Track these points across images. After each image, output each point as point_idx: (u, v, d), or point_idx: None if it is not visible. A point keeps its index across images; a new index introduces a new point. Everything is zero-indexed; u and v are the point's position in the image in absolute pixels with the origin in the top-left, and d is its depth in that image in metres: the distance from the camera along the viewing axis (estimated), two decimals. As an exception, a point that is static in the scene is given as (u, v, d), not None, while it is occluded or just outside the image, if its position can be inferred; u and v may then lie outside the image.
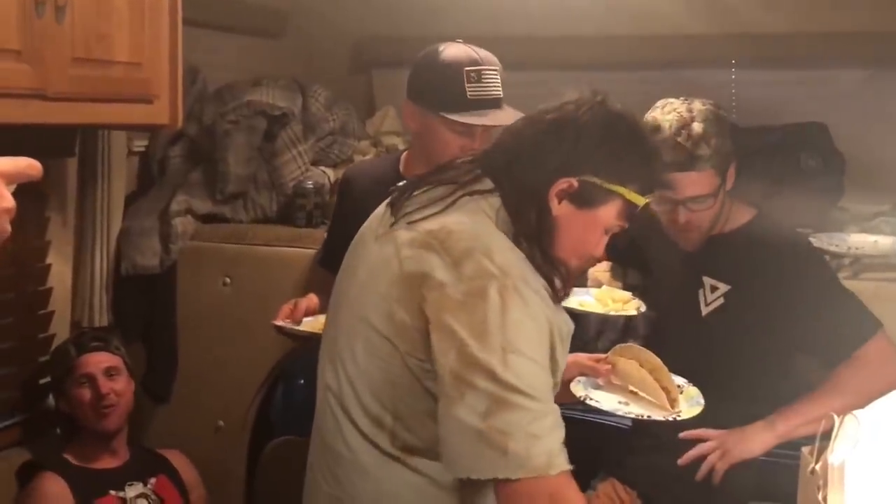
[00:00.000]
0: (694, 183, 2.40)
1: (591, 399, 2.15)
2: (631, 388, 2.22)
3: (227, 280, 3.24)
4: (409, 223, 1.73)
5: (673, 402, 2.14)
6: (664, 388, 2.16)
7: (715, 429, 2.38)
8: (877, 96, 3.38)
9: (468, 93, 2.45)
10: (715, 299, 2.56)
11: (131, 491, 2.82)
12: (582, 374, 2.25)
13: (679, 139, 2.36)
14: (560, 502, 1.57)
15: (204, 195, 3.34)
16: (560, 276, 1.75)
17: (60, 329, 3.12)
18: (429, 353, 1.62)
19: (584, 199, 1.74)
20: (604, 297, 2.62)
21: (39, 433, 3.02)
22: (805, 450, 1.61)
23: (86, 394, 2.80)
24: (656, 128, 2.38)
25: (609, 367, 2.26)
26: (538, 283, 1.68)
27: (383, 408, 1.71)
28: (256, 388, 3.22)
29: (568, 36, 3.57)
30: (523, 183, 1.74)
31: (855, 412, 1.58)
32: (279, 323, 2.55)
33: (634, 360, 2.25)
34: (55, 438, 2.99)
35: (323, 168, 3.44)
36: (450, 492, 1.72)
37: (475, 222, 1.71)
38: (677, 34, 3.45)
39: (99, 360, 2.84)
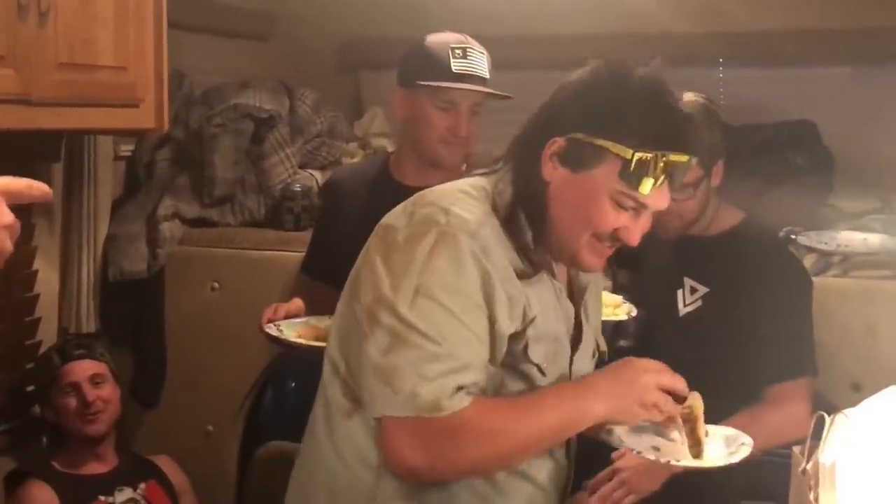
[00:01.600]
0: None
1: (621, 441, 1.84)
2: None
3: (216, 284, 3.23)
4: None
5: (698, 454, 1.81)
6: (696, 439, 1.83)
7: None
8: (864, 93, 3.39)
9: (453, 66, 2.49)
10: (693, 300, 2.59)
11: (120, 496, 2.81)
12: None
13: None
14: (451, 441, 1.56)
15: (191, 199, 3.32)
16: (552, 252, 1.71)
17: (47, 335, 3.10)
18: None
19: (575, 159, 1.64)
20: None
21: (26, 441, 2.99)
22: (796, 449, 1.62)
23: (71, 402, 2.77)
24: None
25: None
26: (500, 247, 1.63)
27: (340, 353, 1.71)
28: (246, 392, 3.21)
29: (556, 35, 3.57)
30: (522, 150, 1.71)
31: (845, 411, 1.58)
32: (265, 329, 2.54)
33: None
34: (42, 446, 2.97)
35: (311, 171, 3.43)
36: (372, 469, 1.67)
37: (456, 186, 1.71)
38: (665, 32, 3.44)
39: (84, 368, 2.81)
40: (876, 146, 3.30)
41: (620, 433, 1.82)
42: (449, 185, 1.74)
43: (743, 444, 1.78)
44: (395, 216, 1.68)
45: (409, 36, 3.79)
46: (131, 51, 2.54)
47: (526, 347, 1.65)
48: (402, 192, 2.66)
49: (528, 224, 1.68)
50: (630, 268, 2.85)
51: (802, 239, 2.87)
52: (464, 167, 2.64)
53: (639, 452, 1.74)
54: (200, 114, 3.37)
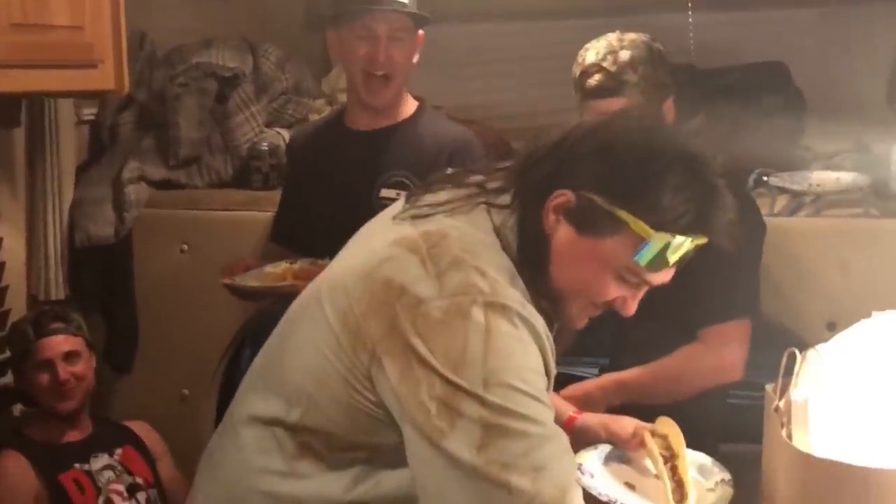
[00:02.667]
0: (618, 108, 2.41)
1: (589, 479, 1.75)
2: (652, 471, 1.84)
3: (185, 247, 3.20)
4: (415, 217, 1.52)
5: (682, 498, 1.73)
6: (678, 480, 1.74)
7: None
8: (833, 34, 3.38)
9: None
10: None
11: (96, 463, 2.79)
12: (612, 444, 1.87)
13: (605, 64, 2.35)
14: None
15: (157, 161, 3.29)
16: (549, 312, 1.52)
17: (16, 304, 3.06)
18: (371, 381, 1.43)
19: (584, 221, 1.45)
20: None
21: (-1, 410, 2.98)
22: (769, 387, 1.61)
23: (44, 378, 2.73)
24: (584, 56, 2.39)
25: (640, 442, 1.89)
26: (535, 313, 1.45)
27: (300, 389, 1.51)
28: (221, 355, 3.19)
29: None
30: (528, 194, 1.51)
31: (817, 347, 1.58)
32: (225, 280, 2.54)
33: (661, 439, 1.89)
34: (14, 415, 2.95)
35: (278, 129, 3.40)
36: None
37: (476, 233, 1.49)
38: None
39: (58, 344, 2.76)
40: (847, 86, 3.29)
41: (593, 468, 1.73)
42: (461, 228, 1.49)
43: (722, 479, 1.72)
44: (417, 280, 1.41)
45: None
46: (87, 10, 2.48)
47: None
48: (352, 138, 2.66)
49: (537, 283, 1.50)
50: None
51: (774, 180, 2.86)
52: (413, 110, 2.63)
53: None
54: (163, 74, 3.33)
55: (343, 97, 3.56)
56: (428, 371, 1.35)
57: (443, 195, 1.56)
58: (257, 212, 3.09)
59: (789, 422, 1.49)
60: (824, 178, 2.90)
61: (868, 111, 3.22)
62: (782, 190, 2.86)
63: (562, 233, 1.48)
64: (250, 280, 2.51)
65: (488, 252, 1.46)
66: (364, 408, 1.44)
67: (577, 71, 2.40)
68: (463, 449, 1.32)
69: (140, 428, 2.98)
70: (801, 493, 1.40)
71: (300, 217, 2.73)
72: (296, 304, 1.66)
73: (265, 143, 3.26)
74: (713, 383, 2.38)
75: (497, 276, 1.42)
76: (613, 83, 2.35)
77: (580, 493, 1.37)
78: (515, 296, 1.42)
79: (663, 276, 1.51)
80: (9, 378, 2.96)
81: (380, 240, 1.52)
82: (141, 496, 2.82)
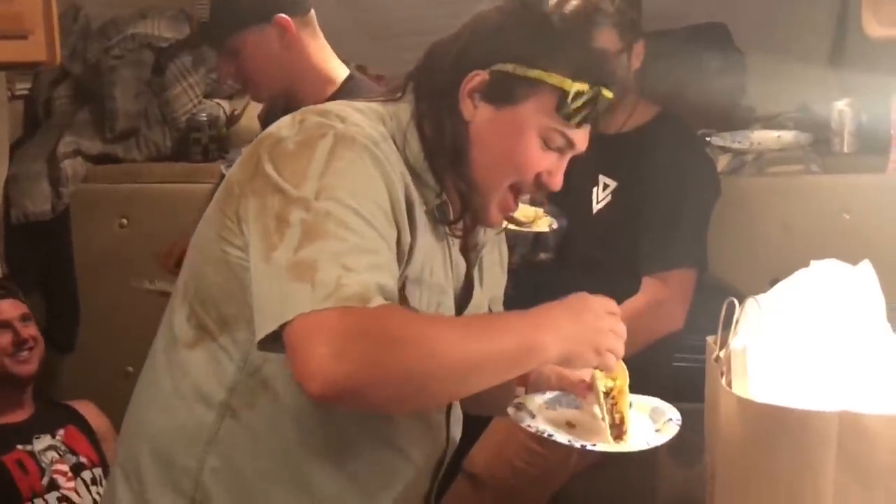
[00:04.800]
0: (595, 39, 2.43)
1: (531, 426, 1.66)
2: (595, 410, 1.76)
3: (124, 221, 3.19)
4: None
5: (620, 434, 1.64)
6: (620, 419, 1.65)
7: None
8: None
9: None
10: (605, 196, 2.60)
11: (39, 444, 2.77)
12: (562, 389, 1.77)
13: None
14: (380, 341, 1.28)
15: (93, 135, 3.27)
16: (470, 204, 1.55)
17: (-49, 282, 3.03)
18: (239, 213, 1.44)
19: (500, 94, 1.50)
20: (517, 214, 2.62)
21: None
22: (710, 339, 1.61)
23: (6, 339, 2.73)
24: None
25: (588, 387, 1.78)
26: (399, 169, 1.47)
27: (192, 275, 1.52)
28: (164, 329, 3.16)
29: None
30: (433, 84, 1.53)
31: (756, 297, 1.59)
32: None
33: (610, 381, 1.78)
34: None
35: (217, 100, 3.38)
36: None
37: (346, 103, 1.54)
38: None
39: (14, 306, 2.78)
40: (788, 47, 3.32)
41: (533, 408, 1.68)
42: (339, 101, 1.58)
43: (670, 419, 1.65)
44: (282, 126, 1.47)
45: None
46: (15, -22, 2.44)
47: (403, 288, 1.46)
48: None
49: (435, 169, 1.52)
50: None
51: (716, 140, 2.89)
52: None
53: (550, 435, 1.58)
54: (98, 47, 3.30)
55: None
56: (274, 192, 1.38)
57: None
58: (198, 183, 3.06)
59: (729, 370, 1.50)
60: (765, 136, 2.93)
61: (809, 71, 3.26)
62: (724, 149, 2.90)
63: (481, 114, 1.51)
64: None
65: (358, 115, 1.48)
66: (235, 259, 1.44)
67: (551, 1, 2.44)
68: (284, 254, 1.32)
69: (84, 407, 2.96)
70: (741, 438, 1.41)
71: None
72: None
73: (204, 114, 3.25)
74: (657, 333, 2.40)
75: (361, 123, 1.46)
76: (590, 8, 2.37)
77: (389, 308, 1.32)
78: (368, 134, 1.44)
79: (583, 139, 1.56)
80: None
81: None
82: (86, 475, 2.81)
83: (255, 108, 3.27)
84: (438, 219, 1.54)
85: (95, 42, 3.32)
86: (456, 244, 1.61)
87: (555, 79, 1.48)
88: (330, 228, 1.33)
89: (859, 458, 1.33)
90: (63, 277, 3.21)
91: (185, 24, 3.38)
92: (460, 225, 1.58)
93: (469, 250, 1.65)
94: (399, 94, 1.58)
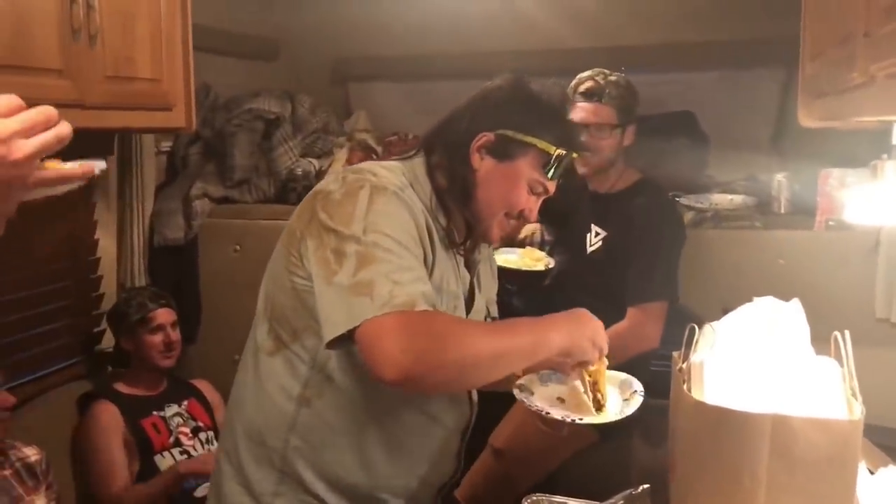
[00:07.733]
0: (598, 112, 2.48)
1: (532, 405, 1.62)
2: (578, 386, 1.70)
3: (237, 248, 3.20)
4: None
5: (600, 407, 1.62)
6: (601, 394, 1.63)
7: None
8: (730, 90, 3.40)
9: None
10: (597, 241, 2.60)
11: (169, 411, 2.80)
12: (552, 368, 1.74)
13: (596, 77, 2.49)
14: (432, 337, 1.30)
15: (217, 183, 3.28)
16: (473, 230, 1.59)
17: (108, 290, 3.07)
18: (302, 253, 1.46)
19: (502, 151, 1.54)
20: (525, 255, 2.65)
21: (94, 370, 2.97)
22: (675, 354, 1.61)
23: (157, 339, 2.77)
24: (580, 76, 2.52)
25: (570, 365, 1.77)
26: (420, 207, 1.50)
27: (267, 296, 1.57)
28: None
29: (473, 52, 3.54)
30: (449, 142, 1.58)
31: (711, 324, 1.58)
32: None
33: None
34: (107, 374, 2.94)
35: (310, 159, 3.38)
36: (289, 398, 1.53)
37: (373, 163, 1.58)
38: (572, 48, 3.46)
39: (168, 314, 2.82)
40: (740, 129, 3.31)
41: (532, 386, 1.68)
42: (367, 161, 1.62)
43: (635, 391, 1.64)
44: (328, 184, 1.51)
45: (388, 55, 3.79)
46: (164, 67, 2.49)
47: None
48: None
49: (444, 206, 1.56)
50: (555, 222, 2.85)
51: (683, 200, 2.88)
52: None
53: (547, 413, 1.58)
54: (223, 117, 3.33)
55: (358, 136, 3.58)
56: (329, 233, 1.40)
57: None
58: (293, 222, 3.07)
59: (689, 379, 1.49)
60: (721, 198, 2.92)
61: (756, 150, 3.25)
62: (689, 207, 2.88)
63: (485, 165, 1.56)
64: None
65: (384, 171, 1.52)
66: (300, 286, 1.47)
67: (573, 84, 2.52)
68: (345, 277, 1.35)
69: (202, 385, 2.99)
70: (695, 432, 1.41)
71: None
72: None
73: (300, 169, 3.26)
74: (638, 350, 2.39)
75: (389, 176, 1.50)
76: (598, 89, 2.46)
77: (433, 312, 1.36)
78: (395, 183, 1.48)
79: (553, 186, 1.60)
80: (103, 344, 2.96)
81: None
82: (202, 436, 2.83)
83: (337, 164, 3.31)
84: (448, 243, 1.58)
85: (221, 113, 3.35)
86: (461, 261, 1.65)
87: (543, 144, 1.55)
88: (378, 254, 1.36)
89: (787, 451, 1.32)
90: (191, 288, 3.24)
91: (288, 101, 3.42)
92: (464, 245, 1.63)
93: (470, 265, 1.69)
94: (412, 153, 1.63)
